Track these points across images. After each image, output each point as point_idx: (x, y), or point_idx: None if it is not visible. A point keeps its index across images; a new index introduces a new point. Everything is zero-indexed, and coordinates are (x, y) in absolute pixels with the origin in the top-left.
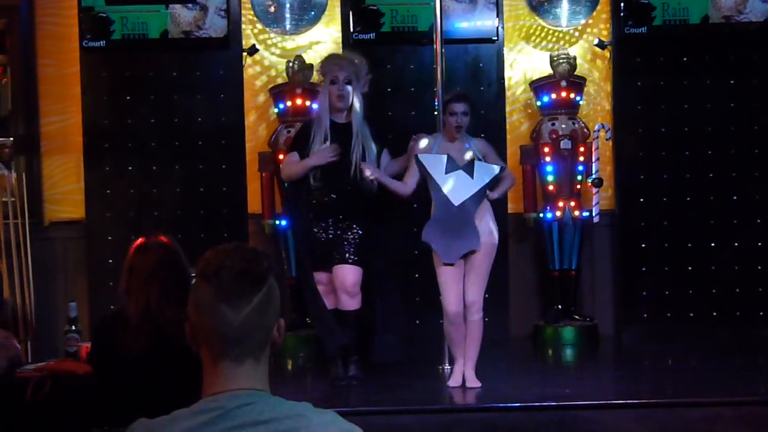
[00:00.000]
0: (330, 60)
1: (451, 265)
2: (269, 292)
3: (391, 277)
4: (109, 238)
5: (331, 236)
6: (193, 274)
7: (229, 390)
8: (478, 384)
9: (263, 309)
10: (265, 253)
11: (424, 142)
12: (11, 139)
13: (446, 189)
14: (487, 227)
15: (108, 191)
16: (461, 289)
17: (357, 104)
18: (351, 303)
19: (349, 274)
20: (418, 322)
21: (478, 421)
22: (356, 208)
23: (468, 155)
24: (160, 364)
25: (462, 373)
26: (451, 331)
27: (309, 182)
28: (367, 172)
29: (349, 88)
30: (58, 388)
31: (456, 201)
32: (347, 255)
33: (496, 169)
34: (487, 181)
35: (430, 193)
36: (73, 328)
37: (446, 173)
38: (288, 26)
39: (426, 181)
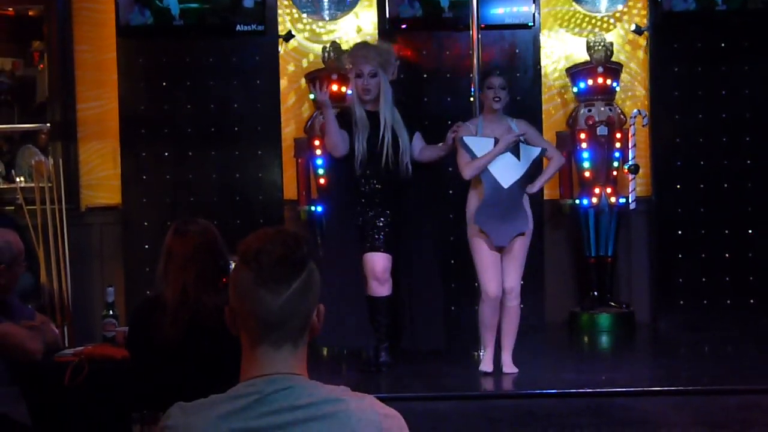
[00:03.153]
0: (356, 51)
1: (502, 248)
2: (309, 278)
3: (425, 264)
4: (145, 223)
5: (361, 223)
6: (232, 259)
7: (266, 374)
8: (515, 370)
9: (302, 294)
10: (306, 238)
11: (466, 129)
12: (48, 125)
13: (495, 172)
14: (527, 213)
15: (144, 177)
16: (500, 272)
17: (385, 93)
18: (381, 290)
19: (378, 261)
20: (453, 308)
21: (514, 408)
22: (388, 195)
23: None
24: (197, 348)
25: (492, 359)
26: (488, 315)
27: (351, 171)
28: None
29: (375, 80)
30: (96, 372)
31: (506, 183)
32: (377, 242)
33: (537, 150)
34: (531, 162)
35: (479, 178)
36: (111, 312)
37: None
38: (325, 12)
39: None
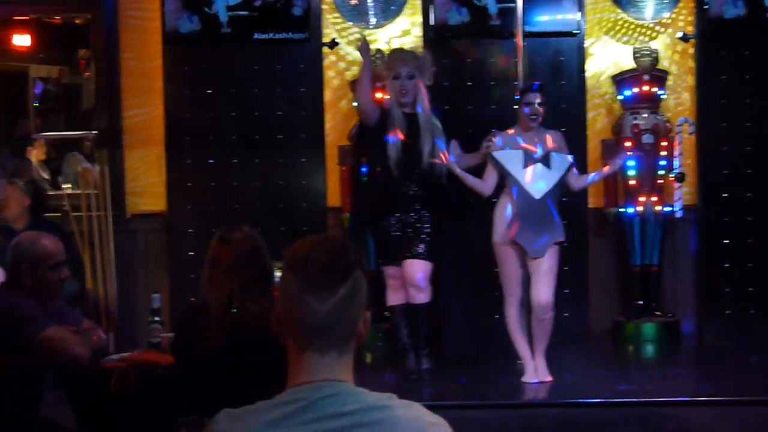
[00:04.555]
0: (393, 56)
1: (539, 257)
2: (355, 285)
3: (464, 271)
4: (190, 230)
5: (400, 230)
6: (276, 266)
7: (313, 381)
8: (550, 377)
9: (349, 301)
10: (352, 245)
11: (498, 140)
12: (94, 132)
13: (526, 183)
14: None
15: (189, 184)
16: (523, 281)
17: (422, 97)
18: (420, 297)
19: (418, 268)
20: (497, 316)
21: (558, 417)
22: (427, 200)
23: (543, 146)
24: (242, 355)
25: (533, 369)
26: (515, 317)
27: (379, 174)
28: (443, 159)
29: (412, 82)
30: (142, 378)
31: (537, 194)
32: (417, 249)
33: (569, 159)
34: (563, 172)
35: (510, 190)
36: (156, 319)
37: (524, 167)
38: (371, 20)
39: (503, 179)
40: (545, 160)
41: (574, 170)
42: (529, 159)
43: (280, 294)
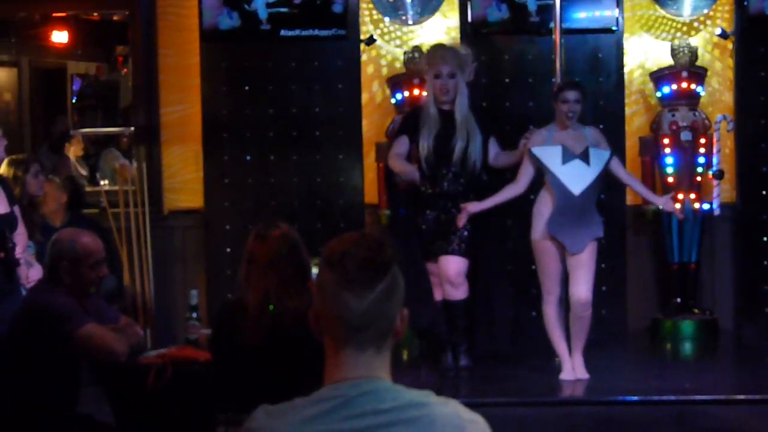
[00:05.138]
0: (434, 53)
1: (578, 253)
2: (393, 281)
3: (502, 268)
4: (227, 227)
5: (437, 226)
6: (315, 262)
7: (350, 378)
8: (587, 375)
9: (386, 298)
10: (390, 242)
11: (536, 137)
12: (132, 128)
13: (565, 179)
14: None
15: (226, 181)
16: (562, 278)
17: (462, 94)
18: (456, 293)
19: (452, 264)
20: (534, 314)
21: (596, 415)
22: (462, 196)
23: (581, 143)
24: (279, 352)
25: (571, 367)
26: (553, 315)
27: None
28: (462, 221)
29: (453, 81)
30: (180, 374)
31: (576, 190)
32: (452, 245)
33: (607, 153)
34: (602, 167)
35: (549, 186)
36: (194, 315)
37: (563, 164)
38: (410, 16)
39: (542, 176)
40: (584, 156)
41: (616, 161)
42: (568, 155)
43: (318, 291)
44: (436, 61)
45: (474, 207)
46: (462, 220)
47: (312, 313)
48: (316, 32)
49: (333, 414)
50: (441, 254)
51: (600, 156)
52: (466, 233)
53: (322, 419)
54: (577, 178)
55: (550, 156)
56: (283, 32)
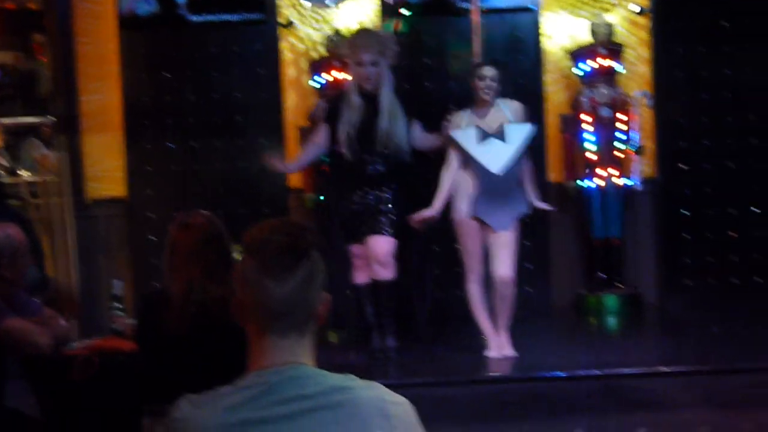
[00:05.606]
0: (356, 39)
1: (504, 231)
2: (314, 267)
3: (428, 248)
4: (151, 215)
5: (363, 208)
6: (239, 249)
7: (274, 364)
8: (514, 352)
9: (308, 283)
10: (310, 227)
11: (456, 119)
12: (52, 118)
13: (483, 159)
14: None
15: (149, 169)
16: (484, 256)
17: (386, 80)
18: (385, 273)
19: (382, 244)
20: (459, 293)
21: (524, 391)
22: (387, 178)
23: (499, 120)
24: (205, 341)
25: (497, 344)
26: (476, 293)
27: (342, 156)
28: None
29: (376, 68)
30: (105, 365)
31: (496, 169)
32: (380, 226)
33: (529, 127)
34: (522, 141)
35: (470, 167)
36: (118, 305)
37: (479, 144)
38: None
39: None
40: (500, 134)
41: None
42: (483, 135)
43: (240, 278)
44: (358, 49)
45: (428, 213)
46: (416, 223)
47: (234, 300)
48: (235, 17)
49: (257, 401)
50: (369, 234)
51: (519, 130)
52: (394, 215)
53: (246, 406)
54: (495, 156)
55: (466, 138)
56: (201, 17)
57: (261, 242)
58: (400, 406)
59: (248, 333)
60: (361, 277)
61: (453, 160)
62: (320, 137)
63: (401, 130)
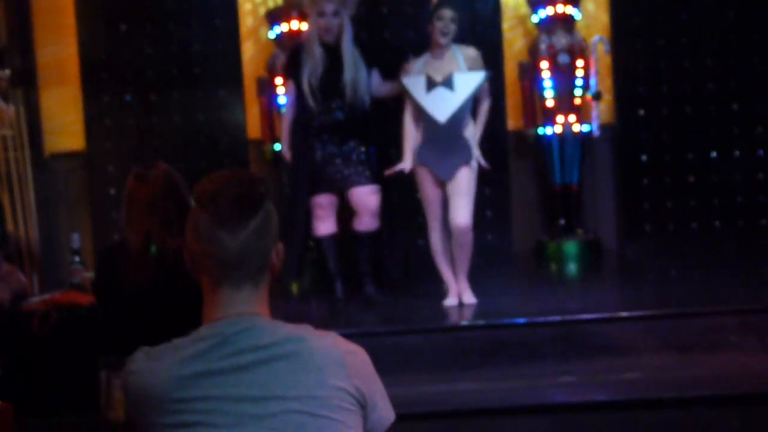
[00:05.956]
0: None
1: (449, 181)
2: (266, 217)
3: (390, 197)
4: (110, 168)
5: (328, 158)
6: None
7: (228, 316)
8: (474, 299)
9: (261, 234)
10: (261, 178)
11: (410, 65)
12: (8, 71)
13: (429, 107)
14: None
15: (107, 122)
16: (444, 204)
17: (347, 30)
18: (374, 223)
19: (372, 196)
20: (420, 242)
21: (485, 338)
22: (355, 129)
23: (450, 69)
24: (163, 292)
25: (456, 292)
26: (437, 242)
27: (307, 107)
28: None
29: (337, 19)
30: (64, 319)
31: (441, 117)
32: (362, 177)
33: (480, 75)
34: (471, 91)
35: (418, 115)
36: (76, 259)
37: (427, 92)
38: None
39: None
40: (448, 83)
41: (486, 87)
42: (431, 83)
43: (192, 231)
44: (320, 0)
45: (401, 166)
46: (390, 173)
47: (187, 253)
48: None
49: (212, 352)
50: (352, 187)
51: (468, 80)
52: (371, 165)
53: (202, 358)
54: (441, 105)
55: (415, 85)
56: None
57: (213, 194)
58: (355, 354)
59: (202, 285)
60: (323, 228)
61: (407, 108)
62: (289, 93)
63: (363, 79)
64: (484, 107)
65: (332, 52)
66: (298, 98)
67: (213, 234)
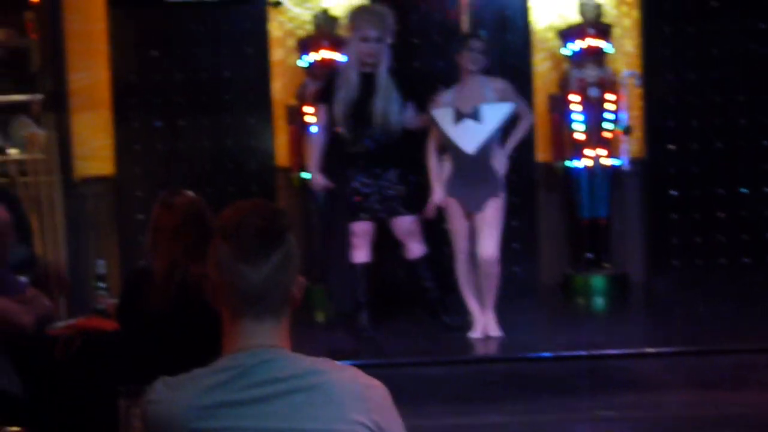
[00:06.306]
0: (361, 15)
1: (478, 213)
2: (288, 250)
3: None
4: (139, 193)
5: (367, 188)
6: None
7: (248, 347)
8: (500, 332)
9: (282, 267)
10: (283, 210)
11: (440, 98)
12: (40, 96)
13: (457, 139)
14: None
15: (137, 147)
16: (470, 235)
17: (384, 58)
18: (419, 249)
19: (414, 224)
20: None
21: (510, 371)
22: (388, 157)
23: (477, 101)
24: (185, 320)
25: (482, 324)
26: (464, 273)
27: (337, 134)
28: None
29: (380, 45)
30: (87, 345)
31: (469, 149)
32: (401, 207)
33: (507, 107)
34: (498, 122)
35: (448, 147)
36: (101, 285)
37: (455, 124)
38: None
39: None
40: (474, 115)
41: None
42: (459, 115)
43: (213, 262)
44: (363, 25)
45: (436, 200)
46: (431, 212)
47: (209, 284)
48: None
49: (232, 384)
50: (391, 218)
51: (496, 111)
52: (405, 194)
53: (221, 389)
54: (469, 137)
55: (443, 117)
56: None
57: (234, 226)
58: (374, 389)
59: (223, 316)
60: (358, 257)
61: (432, 140)
62: (321, 119)
63: (395, 109)
64: (523, 125)
65: (367, 79)
66: (329, 124)
67: (235, 267)
